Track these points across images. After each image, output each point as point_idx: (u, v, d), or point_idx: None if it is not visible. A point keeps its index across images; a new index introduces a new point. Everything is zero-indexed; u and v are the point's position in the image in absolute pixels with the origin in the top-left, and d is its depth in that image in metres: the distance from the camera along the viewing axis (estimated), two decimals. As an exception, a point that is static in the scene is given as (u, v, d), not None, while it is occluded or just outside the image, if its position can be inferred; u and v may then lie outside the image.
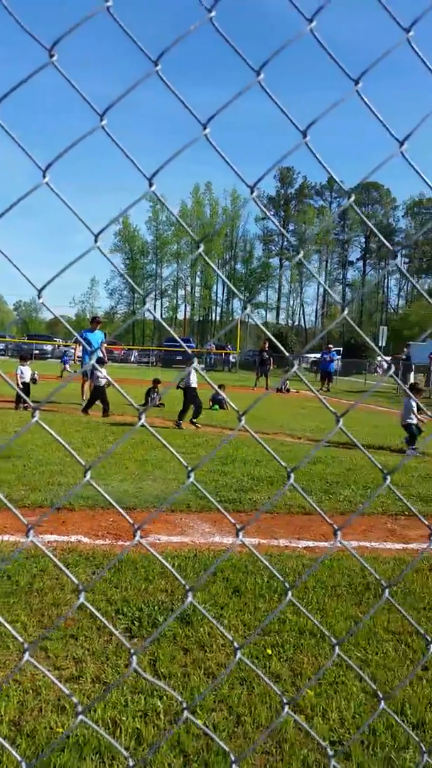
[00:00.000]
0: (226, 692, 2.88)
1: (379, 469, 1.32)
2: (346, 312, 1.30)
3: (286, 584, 1.24)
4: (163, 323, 1.32)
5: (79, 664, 3.04)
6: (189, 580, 4.11)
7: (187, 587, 1.15)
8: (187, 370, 12.37)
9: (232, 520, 1.20)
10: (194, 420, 11.85)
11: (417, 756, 2.51)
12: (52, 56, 1.06)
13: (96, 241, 1.11)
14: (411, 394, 7.92)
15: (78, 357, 18.92)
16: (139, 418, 1.12)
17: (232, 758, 1.14)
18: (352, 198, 1.37)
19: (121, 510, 1.16)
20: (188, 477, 1.14)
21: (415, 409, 10.45)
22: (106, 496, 1.16)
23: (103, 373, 12.99)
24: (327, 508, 6.26)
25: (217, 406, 15.42)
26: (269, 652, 3.26)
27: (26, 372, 13.32)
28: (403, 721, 2.74)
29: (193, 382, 12.28)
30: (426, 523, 1.36)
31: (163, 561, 1.23)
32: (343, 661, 3.22)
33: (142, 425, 1.18)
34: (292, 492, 6.79)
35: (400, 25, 1.25)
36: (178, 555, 4.58)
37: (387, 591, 1.29)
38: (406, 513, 6.22)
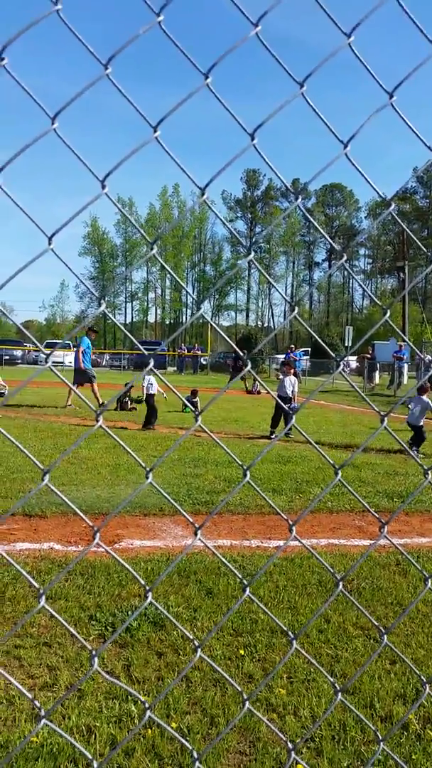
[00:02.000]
0: (200, 694, 2.92)
1: (330, 464, 1.36)
2: (293, 311, 1.35)
3: (244, 582, 1.28)
4: (121, 326, 1.34)
5: (53, 672, 3.05)
6: (162, 584, 4.14)
7: (146, 588, 1.18)
8: (143, 374, 12.47)
9: (190, 519, 1.24)
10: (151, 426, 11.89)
11: (385, 747, 2.58)
12: (2, 60, 1.06)
13: (50, 243, 1.12)
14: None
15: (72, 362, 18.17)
16: (97, 420, 1.15)
17: (195, 756, 1.18)
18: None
19: (79, 511, 1.19)
20: (146, 478, 1.17)
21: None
22: (64, 498, 1.19)
23: (151, 380, 12.37)
24: (298, 507, 6.33)
25: (189, 409, 15.45)
26: (242, 652, 3.31)
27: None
28: (372, 715, 2.81)
29: (153, 388, 12.24)
30: (378, 517, 1.41)
31: (123, 563, 1.26)
32: (314, 659, 3.28)
33: (100, 426, 1.20)
34: (264, 492, 6.84)
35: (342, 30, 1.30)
36: (151, 559, 4.60)
37: (340, 584, 1.33)
38: (373, 509, 6.32)
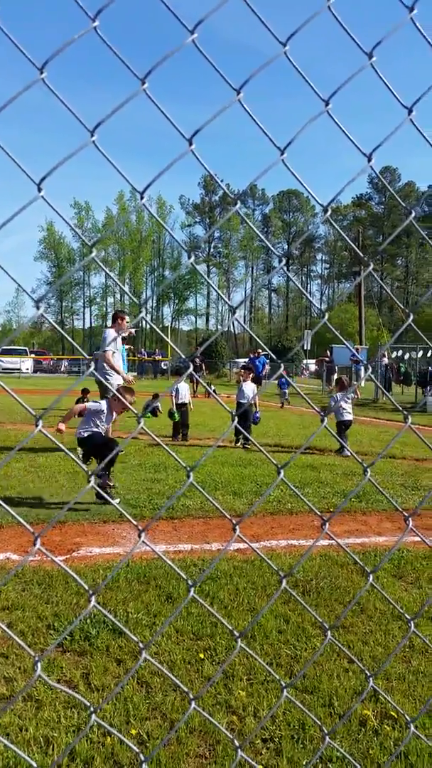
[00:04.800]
0: (160, 700, 2.90)
1: (273, 465, 1.37)
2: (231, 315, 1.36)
3: (189, 582, 1.27)
4: (65, 334, 1.33)
5: (9, 683, 2.99)
6: (121, 590, 4.11)
7: (90, 591, 1.17)
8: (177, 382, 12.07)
9: (134, 522, 1.23)
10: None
11: (344, 744, 2.61)
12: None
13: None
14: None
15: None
16: (36, 425, 1.14)
17: (142, 758, 1.17)
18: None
19: (19, 518, 1.18)
20: (88, 481, 1.16)
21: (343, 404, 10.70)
22: (4, 505, 1.17)
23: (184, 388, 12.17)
24: (258, 510, 6.36)
25: (150, 414, 15.37)
26: (201, 656, 3.30)
27: None
28: (331, 713, 2.84)
29: (185, 397, 11.88)
30: (320, 514, 1.43)
31: (66, 568, 1.25)
32: (274, 660, 3.30)
33: (40, 431, 1.19)
34: (223, 496, 6.87)
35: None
36: (110, 566, 4.56)
37: (284, 581, 1.34)
38: (331, 509, 6.40)
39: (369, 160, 1.47)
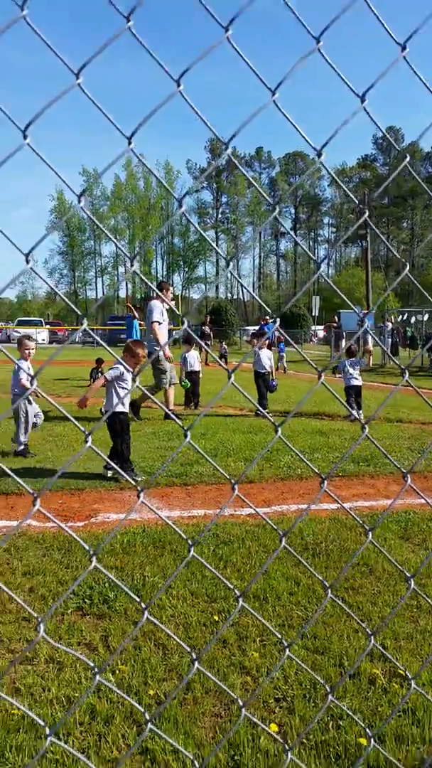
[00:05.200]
0: (176, 661, 3.01)
1: (273, 426, 1.42)
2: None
3: (189, 542, 1.33)
4: (60, 293, 1.37)
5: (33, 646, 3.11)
6: (137, 555, 4.22)
7: (90, 551, 1.22)
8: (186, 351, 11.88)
9: (133, 483, 1.29)
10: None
11: (354, 702, 2.71)
12: None
13: None
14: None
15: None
16: (30, 385, 1.19)
17: (147, 717, 1.24)
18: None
19: (19, 480, 1.23)
20: (85, 442, 1.18)
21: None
22: (11, 473, 1.23)
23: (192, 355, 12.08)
24: (269, 476, 6.46)
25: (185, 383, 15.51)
26: (216, 618, 3.41)
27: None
28: (341, 673, 2.94)
29: (194, 365, 11.86)
30: (318, 472, 1.48)
31: (70, 531, 1.32)
32: (286, 621, 3.40)
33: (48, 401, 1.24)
34: (235, 463, 6.96)
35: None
36: (127, 531, 4.67)
37: (283, 540, 1.40)
38: (340, 474, 6.50)
39: (362, 101, 1.41)
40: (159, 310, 9.92)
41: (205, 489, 6.02)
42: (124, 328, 17.34)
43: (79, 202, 1.12)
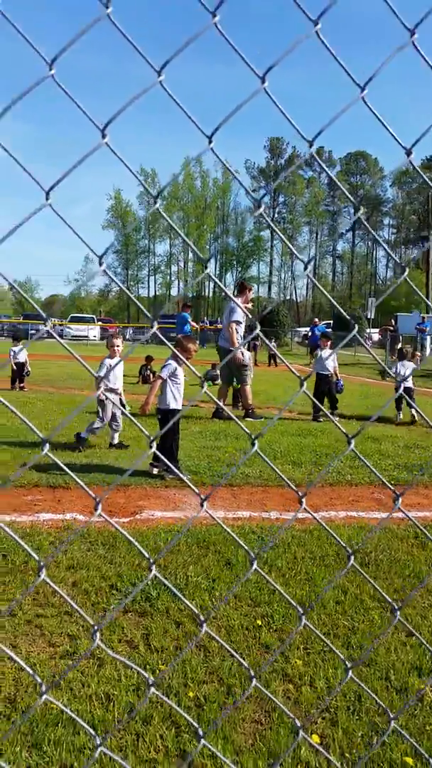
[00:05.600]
0: (218, 664, 2.96)
1: (343, 434, 1.35)
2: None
3: (251, 554, 1.28)
4: (131, 295, 1.34)
5: (73, 641, 3.11)
6: (181, 554, 4.19)
7: (151, 560, 1.18)
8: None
9: (196, 490, 1.24)
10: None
11: (400, 719, 2.60)
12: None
13: (47, 198, 1.06)
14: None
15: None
16: (97, 387, 1.15)
17: (200, 733, 1.19)
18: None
19: (81, 483, 1.20)
20: (150, 447, 1.16)
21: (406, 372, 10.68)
22: (65, 468, 1.20)
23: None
24: (317, 479, 6.34)
25: (210, 383, 15.46)
26: (259, 623, 3.35)
27: (20, 353, 13.27)
28: (388, 687, 2.83)
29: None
30: (392, 488, 1.40)
31: (127, 536, 1.27)
32: (331, 631, 3.30)
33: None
34: (283, 466, 6.87)
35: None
36: (171, 530, 4.65)
37: (351, 558, 1.33)
38: (392, 482, 6.32)
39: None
40: (240, 310, 9.96)
41: (251, 491, 5.95)
42: (174, 326, 17.41)
43: (155, 203, 1.10)
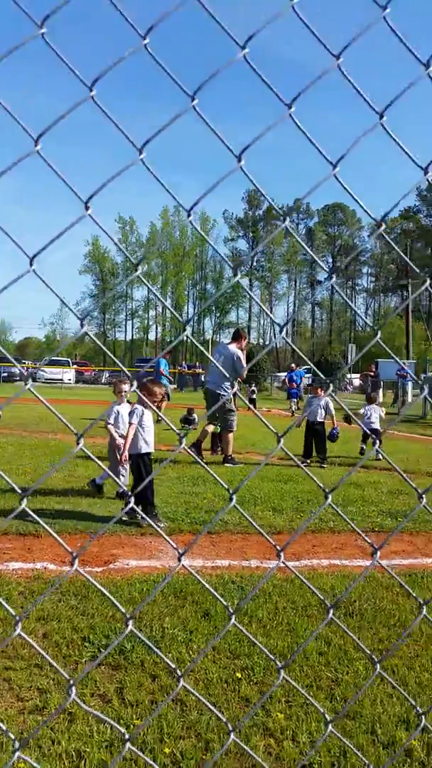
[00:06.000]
0: (195, 719, 2.81)
1: (320, 487, 1.30)
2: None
3: (230, 609, 1.20)
4: (109, 352, 1.29)
5: (43, 695, 2.95)
6: (157, 605, 4.04)
7: (127, 615, 1.10)
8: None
9: (173, 545, 1.16)
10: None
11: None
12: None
13: (31, 264, 1.07)
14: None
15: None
16: (78, 443, 1.09)
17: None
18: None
19: (55, 535, 1.12)
20: (127, 503, 1.09)
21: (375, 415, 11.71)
22: (40, 520, 1.12)
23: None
24: (299, 527, 6.22)
25: (187, 427, 15.33)
26: (239, 675, 3.21)
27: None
28: (374, 741, 2.70)
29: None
30: (370, 542, 1.34)
31: (99, 586, 1.19)
32: (314, 683, 3.17)
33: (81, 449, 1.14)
34: (263, 512, 6.75)
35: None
36: (147, 580, 4.50)
37: (331, 612, 1.26)
38: (376, 530, 6.23)
39: (426, 173, 1.40)
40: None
41: (231, 538, 5.82)
42: (152, 369, 17.44)
43: (137, 270, 1.08)
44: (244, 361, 10.21)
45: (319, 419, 10.70)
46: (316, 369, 1.57)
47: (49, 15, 1.06)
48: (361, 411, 12.16)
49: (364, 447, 12.22)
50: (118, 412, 7.18)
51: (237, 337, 10.56)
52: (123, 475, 7.12)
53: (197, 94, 1.16)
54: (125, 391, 7.33)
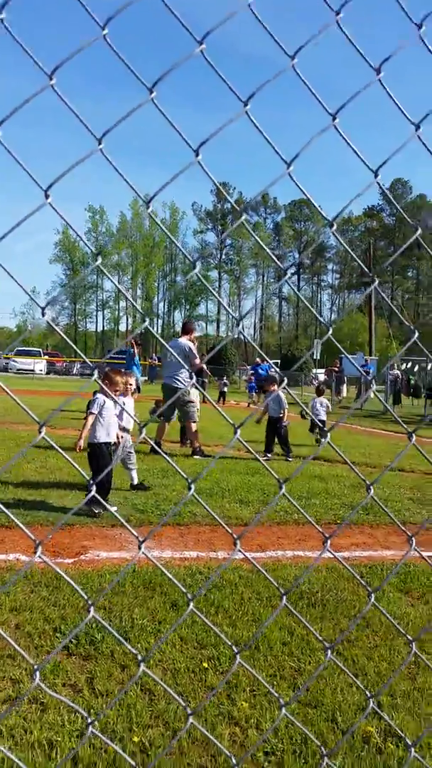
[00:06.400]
0: (163, 708, 2.91)
1: (276, 480, 1.39)
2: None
3: (188, 596, 1.29)
4: (69, 340, 1.35)
5: (16, 685, 3.01)
6: (126, 596, 4.12)
7: (89, 602, 1.18)
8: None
9: (134, 533, 1.25)
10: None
11: (347, 761, 2.60)
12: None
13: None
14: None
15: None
16: (39, 432, 1.16)
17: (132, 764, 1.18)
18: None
19: (21, 525, 1.19)
20: (89, 490, 1.16)
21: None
22: (3, 508, 1.19)
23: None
24: (264, 519, 6.36)
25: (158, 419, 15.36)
26: (206, 665, 3.31)
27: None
28: (334, 728, 2.83)
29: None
30: (321, 531, 1.44)
31: (63, 575, 1.27)
32: (278, 672, 3.29)
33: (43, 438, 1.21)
34: (230, 504, 6.87)
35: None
36: (117, 571, 4.57)
37: (284, 598, 1.35)
38: (338, 522, 6.40)
39: (375, 176, 1.47)
40: (195, 346, 10.70)
41: (199, 530, 5.92)
42: (124, 361, 17.44)
43: (96, 260, 1.14)
44: (195, 351, 10.46)
45: (275, 415, 10.86)
46: (268, 360, 1.66)
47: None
48: (310, 403, 13.26)
49: (319, 437, 13.33)
50: (124, 403, 7.19)
51: (186, 329, 10.81)
52: (131, 469, 7.26)
53: (156, 87, 1.19)
54: (131, 384, 7.31)
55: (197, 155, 1.24)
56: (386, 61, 1.41)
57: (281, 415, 10.86)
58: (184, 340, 10.40)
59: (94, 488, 1.27)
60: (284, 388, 1.37)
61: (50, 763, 2.46)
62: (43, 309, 1.16)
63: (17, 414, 14.61)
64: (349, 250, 1.63)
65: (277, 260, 1.40)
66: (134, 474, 7.37)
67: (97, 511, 6.07)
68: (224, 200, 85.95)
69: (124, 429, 7.00)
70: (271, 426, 10.93)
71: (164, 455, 1.43)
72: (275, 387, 11.21)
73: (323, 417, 12.65)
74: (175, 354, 9.46)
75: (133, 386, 7.38)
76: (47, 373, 47.88)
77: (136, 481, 7.37)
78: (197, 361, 10.27)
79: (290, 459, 10.77)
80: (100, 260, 1.18)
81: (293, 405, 14.90)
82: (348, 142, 1.41)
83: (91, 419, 6.24)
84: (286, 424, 11.09)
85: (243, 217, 1.44)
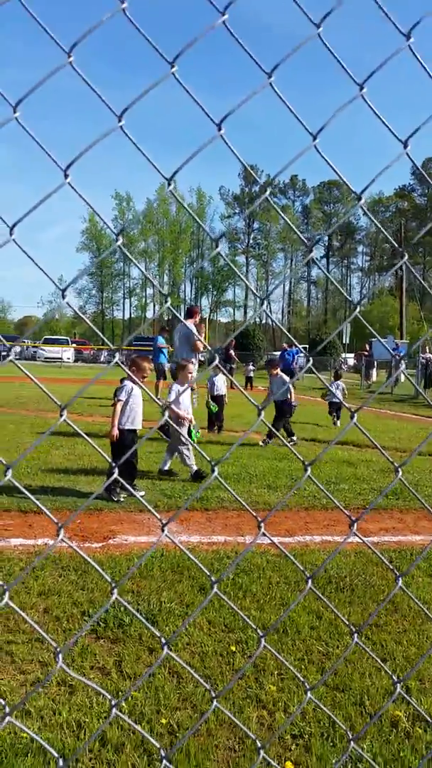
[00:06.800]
0: (191, 690, 2.92)
1: (302, 463, 1.36)
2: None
3: (212, 578, 1.27)
4: (89, 322, 1.34)
5: (44, 668, 3.05)
6: (155, 580, 4.15)
7: (113, 584, 1.17)
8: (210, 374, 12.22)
9: (158, 516, 1.23)
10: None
11: (375, 746, 2.59)
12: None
13: (11, 233, 1.08)
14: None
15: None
16: (61, 415, 1.14)
17: (162, 754, 1.17)
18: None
19: (42, 507, 1.18)
20: (110, 474, 1.15)
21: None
22: (27, 492, 1.18)
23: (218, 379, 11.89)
24: (292, 504, 6.34)
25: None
26: (233, 648, 3.31)
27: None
28: (362, 712, 2.82)
29: (221, 389, 11.88)
30: (348, 514, 1.41)
31: (89, 559, 1.26)
32: (306, 656, 3.28)
33: (65, 421, 1.20)
34: (258, 489, 6.86)
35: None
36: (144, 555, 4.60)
37: (309, 581, 1.33)
38: (367, 506, 6.34)
39: (405, 147, 1.42)
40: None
41: (227, 515, 5.93)
42: (151, 348, 17.52)
43: (117, 240, 1.13)
44: (197, 333, 10.38)
45: (281, 398, 10.66)
46: (297, 345, 1.62)
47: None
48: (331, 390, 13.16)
49: (338, 422, 13.82)
50: (178, 391, 7.22)
51: (190, 313, 11.19)
52: (188, 456, 7.21)
53: (177, 61, 1.14)
54: (191, 372, 7.32)
55: (220, 129, 1.20)
56: (416, 26, 1.35)
57: (287, 398, 10.74)
58: (188, 324, 10.43)
59: (116, 472, 1.25)
60: (313, 371, 1.34)
61: (79, 743, 2.49)
62: (63, 291, 1.14)
63: (48, 402, 14.76)
64: (379, 225, 1.57)
65: (303, 238, 1.36)
66: (169, 462, 7.39)
67: (115, 499, 6.09)
68: (252, 183, 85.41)
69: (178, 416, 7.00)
70: (279, 410, 10.77)
71: (188, 440, 1.41)
72: (277, 371, 11.04)
73: (335, 399, 13.29)
74: (180, 338, 9.60)
75: (194, 374, 7.39)
76: (75, 361, 48.31)
77: (167, 467, 7.38)
78: (199, 343, 10.26)
79: (270, 441, 10.42)
80: (120, 240, 1.16)
81: (314, 389, 15.16)
82: (376, 111, 1.35)
83: (119, 406, 6.25)
84: (295, 404, 11.05)
85: (268, 192, 1.40)
